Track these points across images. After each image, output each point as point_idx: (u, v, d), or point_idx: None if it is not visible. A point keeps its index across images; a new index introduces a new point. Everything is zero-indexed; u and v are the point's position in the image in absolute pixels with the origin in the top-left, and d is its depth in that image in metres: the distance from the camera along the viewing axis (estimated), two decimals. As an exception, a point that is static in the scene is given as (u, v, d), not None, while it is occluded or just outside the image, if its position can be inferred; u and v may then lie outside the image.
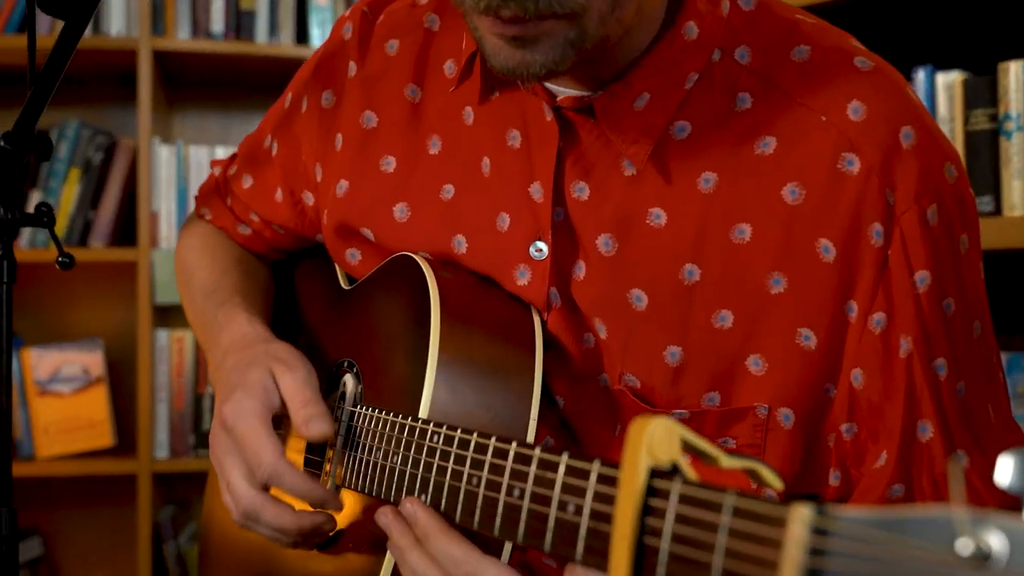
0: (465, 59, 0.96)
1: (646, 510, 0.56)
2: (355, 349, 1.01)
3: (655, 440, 0.57)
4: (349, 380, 1.00)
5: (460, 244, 0.96)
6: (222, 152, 2.40)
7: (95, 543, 2.54)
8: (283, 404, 0.93)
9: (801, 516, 0.47)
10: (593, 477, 0.62)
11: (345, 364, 1.01)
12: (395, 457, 0.86)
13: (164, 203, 2.39)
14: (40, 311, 2.54)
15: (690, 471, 0.56)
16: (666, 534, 0.55)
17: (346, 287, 1.09)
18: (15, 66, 2.36)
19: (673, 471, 0.57)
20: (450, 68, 0.99)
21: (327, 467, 0.98)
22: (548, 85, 0.91)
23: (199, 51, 2.37)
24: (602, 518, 0.61)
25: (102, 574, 2.54)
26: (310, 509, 0.92)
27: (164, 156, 2.39)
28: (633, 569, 0.55)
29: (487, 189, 0.96)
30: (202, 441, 2.37)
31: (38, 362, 2.38)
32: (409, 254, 0.96)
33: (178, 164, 2.41)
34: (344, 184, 1.04)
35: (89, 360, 2.42)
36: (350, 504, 0.94)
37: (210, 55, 2.38)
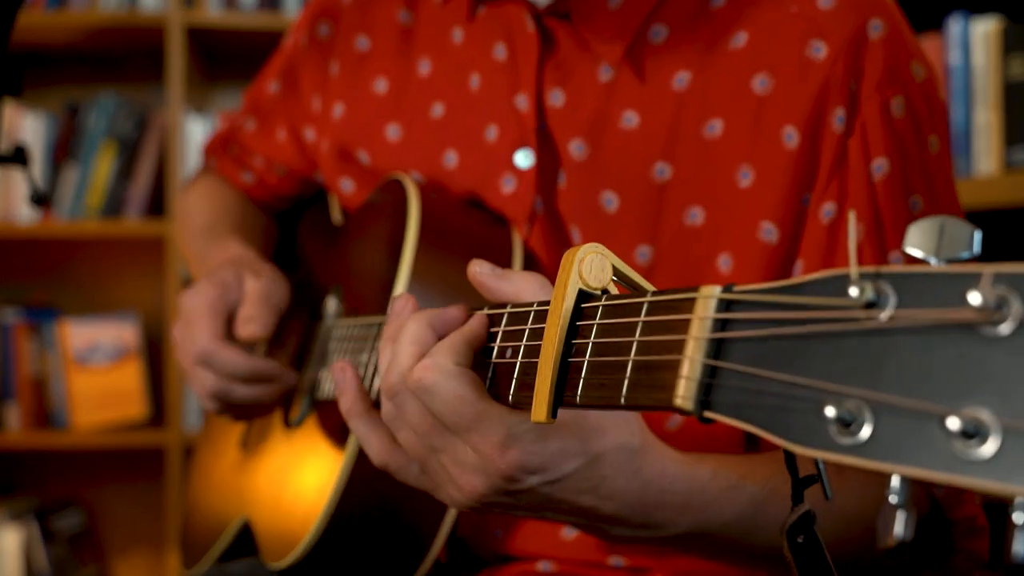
0: None
1: (573, 333, 0.54)
2: (341, 274, 1.03)
3: (585, 266, 0.54)
4: (332, 302, 1.02)
5: (451, 160, 0.97)
6: (254, 125, 2.42)
7: (137, 516, 2.56)
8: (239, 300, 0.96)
9: (708, 292, 0.45)
10: (531, 316, 0.59)
11: (331, 289, 1.03)
12: (358, 356, 0.86)
13: (197, 176, 2.41)
14: (78, 283, 2.58)
15: (622, 296, 0.54)
16: (588, 350, 0.52)
17: (339, 222, 1.10)
18: (53, 45, 2.41)
19: (603, 295, 0.54)
20: None
21: (307, 369, 1.01)
22: None
23: (230, 25, 2.38)
24: (532, 355, 0.58)
25: (144, 548, 2.56)
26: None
27: (199, 129, 2.41)
28: (555, 391, 0.52)
29: (475, 104, 0.96)
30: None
31: (76, 334, 2.41)
32: (396, 177, 0.95)
33: (211, 137, 2.42)
34: (340, 108, 1.06)
35: (125, 333, 2.45)
36: (320, 418, 0.94)
37: (242, 30, 2.40)
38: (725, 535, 0.70)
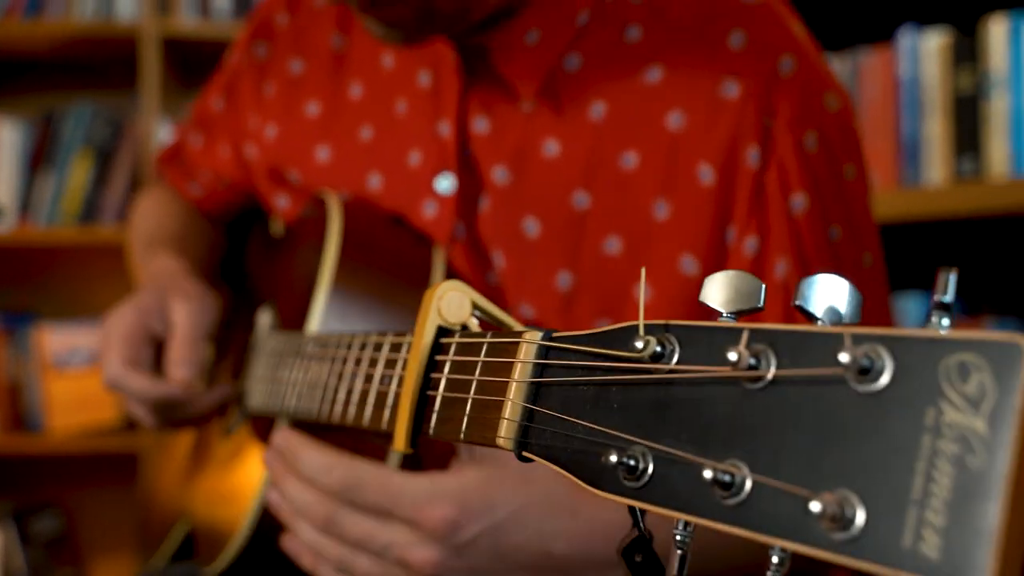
0: None
1: (432, 366, 0.56)
2: (275, 288, 1.06)
3: (444, 303, 0.57)
4: (265, 315, 1.05)
5: (375, 183, 1.00)
6: (227, 132, 2.45)
7: (113, 519, 2.59)
8: (166, 330, 0.99)
9: (531, 337, 0.49)
10: (404, 347, 0.62)
11: (265, 302, 1.06)
12: (278, 371, 0.89)
13: (171, 183, 2.44)
14: (55, 289, 2.61)
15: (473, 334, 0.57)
16: (443, 385, 0.55)
17: (278, 236, 1.13)
18: (29, 53, 2.44)
19: (460, 331, 0.57)
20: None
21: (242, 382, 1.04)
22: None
23: (204, 34, 2.41)
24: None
25: (120, 551, 2.59)
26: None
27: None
28: (413, 422, 0.55)
29: (400, 128, 0.99)
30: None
31: (53, 339, 2.44)
32: (323, 194, 0.98)
33: (185, 145, 2.45)
34: (273, 129, 1.09)
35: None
36: (252, 428, 0.97)
37: (216, 39, 2.42)
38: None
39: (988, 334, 0.31)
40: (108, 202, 2.47)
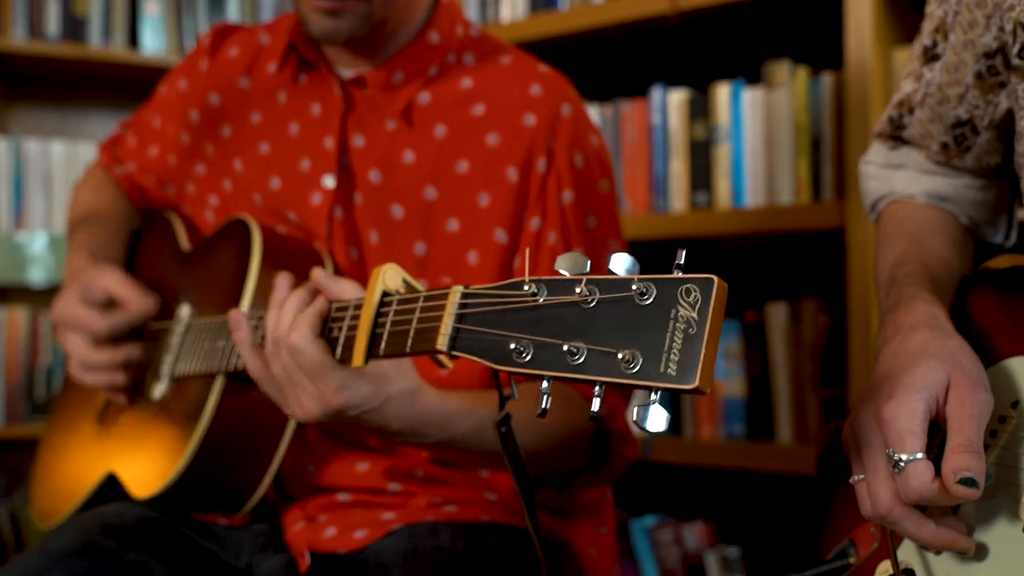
0: (282, 56, 1.36)
1: (378, 315, 0.91)
2: (193, 287, 1.36)
3: (386, 277, 0.92)
4: (186, 308, 1.34)
5: (276, 183, 1.36)
6: (59, 146, 2.62)
7: None
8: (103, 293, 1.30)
9: (456, 290, 0.84)
10: (351, 308, 0.97)
11: (183, 297, 1.36)
12: (216, 342, 1.19)
13: (3, 192, 2.58)
14: None
15: (407, 294, 0.92)
16: (387, 324, 0.90)
17: (186, 248, 1.42)
18: None
19: (396, 295, 0.92)
20: (272, 68, 1.39)
21: (167, 357, 1.33)
22: (338, 69, 1.33)
23: (35, 52, 2.57)
24: (353, 328, 0.96)
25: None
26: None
27: (1, 149, 2.58)
28: (368, 348, 0.90)
29: (294, 144, 1.36)
30: (37, 409, 2.57)
31: None
32: (242, 217, 1.30)
33: (15, 156, 2.60)
34: (210, 147, 1.43)
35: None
36: (180, 391, 1.28)
37: (46, 56, 2.59)
38: (464, 442, 1.10)
39: (699, 275, 0.70)
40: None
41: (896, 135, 1.15)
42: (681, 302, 0.71)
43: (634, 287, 0.73)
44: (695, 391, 0.69)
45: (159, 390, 1.32)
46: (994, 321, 0.93)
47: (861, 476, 0.87)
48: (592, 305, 0.76)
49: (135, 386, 1.34)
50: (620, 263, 0.76)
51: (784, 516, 2.15)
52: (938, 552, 0.87)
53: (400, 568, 1.15)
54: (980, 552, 0.85)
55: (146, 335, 1.35)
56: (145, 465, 1.27)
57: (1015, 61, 0.97)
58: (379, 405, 1.02)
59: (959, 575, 0.85)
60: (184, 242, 1.43)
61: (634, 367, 0.72)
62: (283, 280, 1.07)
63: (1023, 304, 0.94)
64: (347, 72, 1.33)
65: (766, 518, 2.23)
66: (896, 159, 1.15)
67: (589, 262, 0.79)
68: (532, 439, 1.06)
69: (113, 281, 1.29)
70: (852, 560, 0.93)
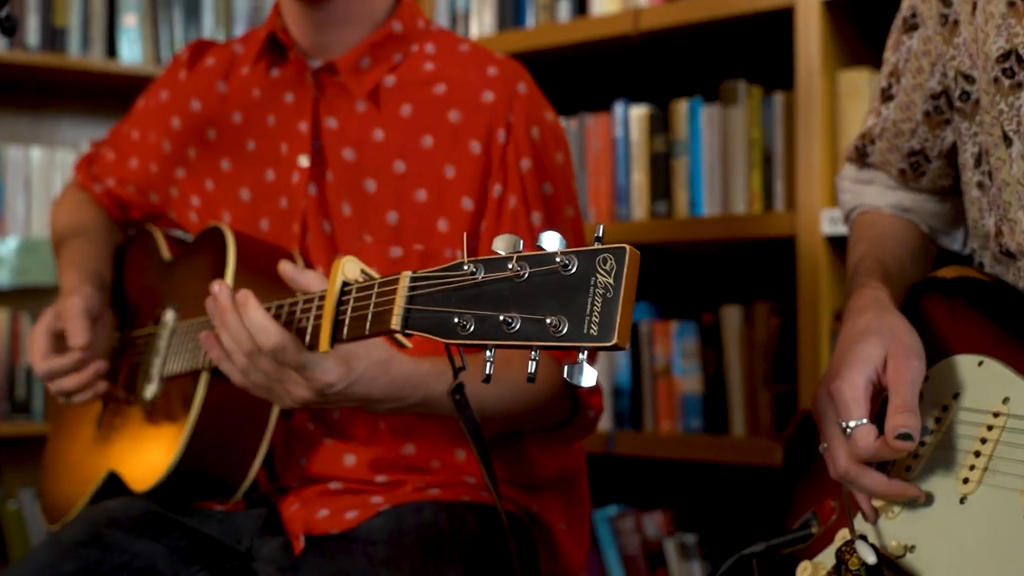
0: (255, 56, 1.46)
1: (341, 305, 1.01)
2: (175, 293, 1.44)
3: (345, 268, 1.02)
4: (170, 314, 1.43)
5: (270, 175, 1.45)
6: (37, 151, 2.69)
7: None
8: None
9: (406, 275, 0.93)
10: (305, 301, 1.07)
11: (168, 303, 1.44)
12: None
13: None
14: None
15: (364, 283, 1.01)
16: (348, 311, 0.99)
17: (168, 257, 1.50)
18: None
19: (355, 284, 1.02)
20: (246, 71, 1.49)
21: (155, 360, 1.41)
22: (309, 61, 1.43)
23: (15, 60, 2.62)
24: (319, 318, 1.05)
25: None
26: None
27: (-20, 156, 2.64)
28: (332, 334, 0.99)
29: (273, 133, 1.46)
30: (17, 408, 2.63)
31: None
32: (217, 225, 1.38)
33: (-6, 162, 2.67)
34: (193, 151, 1.51)
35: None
36: (170, 390, 1.36)
37: (26, 65, 2.65)
38: (442, 399, 1.17)
39: (613, 244, 0.79)
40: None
41: (862, 161, 1.29)
42: (599, 270, 0.79)
43: (558, 260, 0.82)
44: (614, 347, 0.78)
45: (150, 391, 1.40)
46: (945, 324, 1.08)
47: (825, 445, 1.01)
48: (524, 279, 0.84)
49: (128, 389, 1.43)
50: (551, 240, 0.84)
51: (739, 505, 2.24)
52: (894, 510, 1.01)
53: (387, 544, 1.27)
54: (920, 523, 1.00)
55: (132, 343, 1.45)
56: (142, 461, 1.35)
57: (957, 104, 1.13)
58: (358, 377, 1.14)
59: (904, 538, 1.00)
60: (165, 252, 1.51)
61: (561, 330, 0.80)
62: (209, 303, 1.15)
63: (968, 310, 1.08)
64: (317, 62, 1.42)
65: (722, 507, 2.32)
66: (865, 176, 1.29)
67: (522, 242, 0.87)
68: (507, 398, 1.25)
69: (68, 314, 1.37)
70: (814, 530, 1.06)
